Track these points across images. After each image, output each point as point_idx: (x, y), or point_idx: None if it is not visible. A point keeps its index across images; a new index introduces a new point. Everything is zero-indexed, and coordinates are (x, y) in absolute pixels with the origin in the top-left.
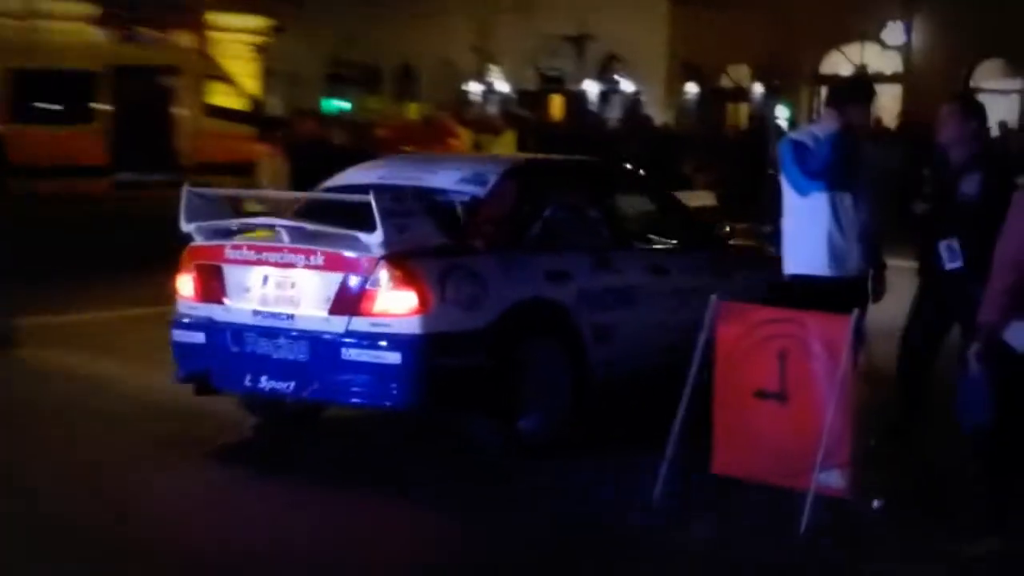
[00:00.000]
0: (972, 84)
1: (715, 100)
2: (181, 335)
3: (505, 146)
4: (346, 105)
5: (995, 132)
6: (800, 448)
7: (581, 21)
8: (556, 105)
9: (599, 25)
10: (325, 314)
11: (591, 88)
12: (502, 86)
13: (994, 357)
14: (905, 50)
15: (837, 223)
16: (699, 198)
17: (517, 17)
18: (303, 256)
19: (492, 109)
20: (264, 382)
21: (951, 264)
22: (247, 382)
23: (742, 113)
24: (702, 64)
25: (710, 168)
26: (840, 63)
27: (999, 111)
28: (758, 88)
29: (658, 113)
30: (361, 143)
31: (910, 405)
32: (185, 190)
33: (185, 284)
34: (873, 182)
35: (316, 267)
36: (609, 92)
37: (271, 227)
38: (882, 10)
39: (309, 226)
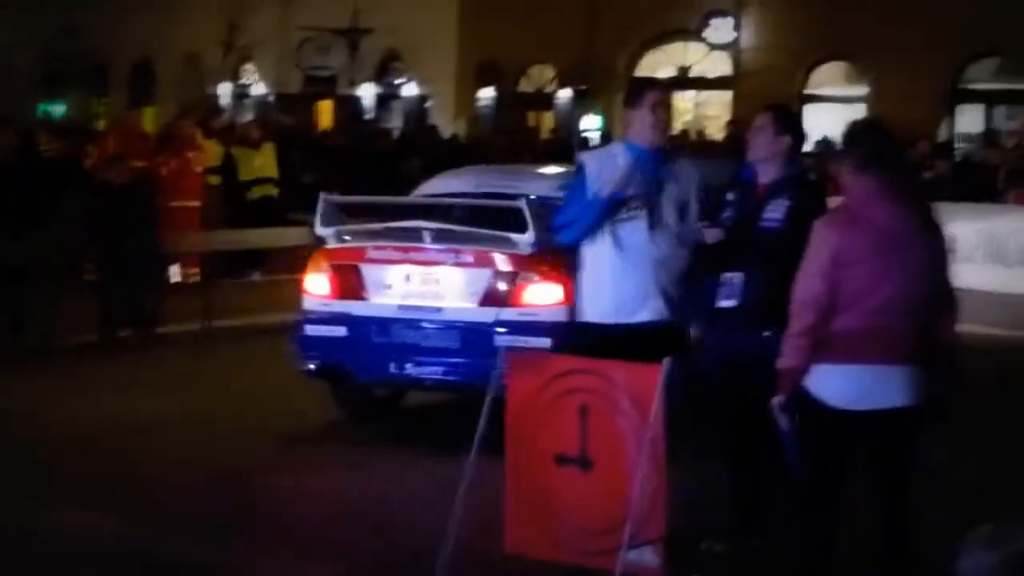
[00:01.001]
0: (808, 90)
1: (515, 106)
2: (314, 330)
3: (263, 161)
4: (61, 109)
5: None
6: (606, 522)
7: (354, 11)
8: (325, 112)
9: (376, 16)
10: (474, 305)
11: (367, 92)
12: (259, 88)
13: (801, 406)
14: (734, 50)
15: (626, 261)
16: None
17: (276, 5)
18: (452, 255)
19: (247, 116)
20: (410, 368)
21: (724, 301)
22: (392, 369)
23: (547, 122)
24: (500, 64)
25: None
26: (660, 64)
27: (839, 121)
28: (565, 93)
29: (448, 121)
30: (75, 157)
31: (747, 513)
32: (321, 198)
33: (318, 283)
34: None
35: (464, 264)
36: (389, 96)
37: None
38: (706, 4)
39: (457, 228)
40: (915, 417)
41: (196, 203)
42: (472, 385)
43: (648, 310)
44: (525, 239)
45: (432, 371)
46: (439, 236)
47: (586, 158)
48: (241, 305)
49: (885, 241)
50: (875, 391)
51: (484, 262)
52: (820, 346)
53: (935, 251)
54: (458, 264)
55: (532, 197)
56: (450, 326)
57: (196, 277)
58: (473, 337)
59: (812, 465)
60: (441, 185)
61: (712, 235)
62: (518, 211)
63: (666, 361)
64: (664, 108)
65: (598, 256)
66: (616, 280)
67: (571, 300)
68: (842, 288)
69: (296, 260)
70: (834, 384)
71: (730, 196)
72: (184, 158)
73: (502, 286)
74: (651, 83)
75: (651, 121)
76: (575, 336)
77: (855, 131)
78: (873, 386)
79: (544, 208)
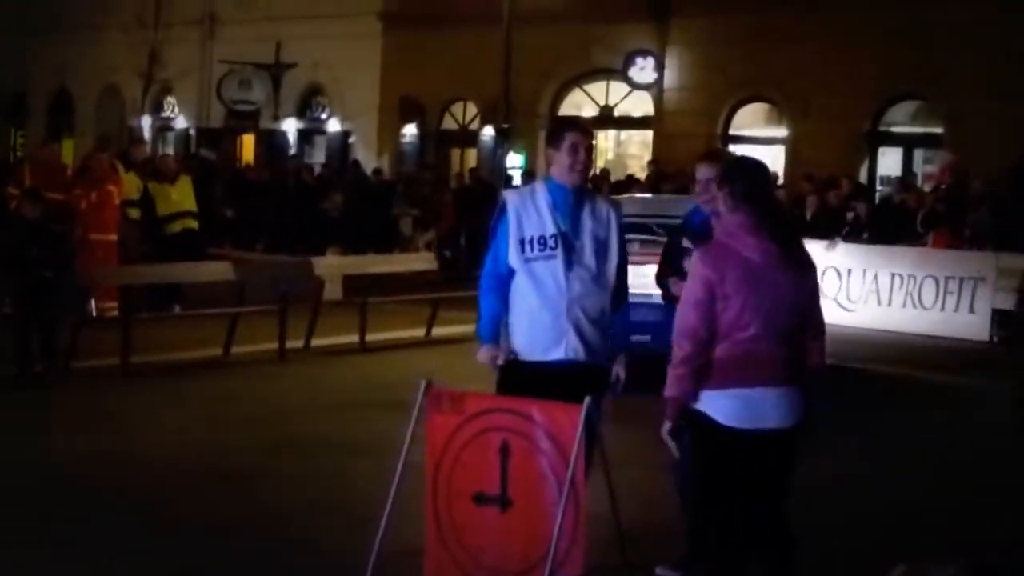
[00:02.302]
0: (732, 131)
1: (439, 144)
2: None
3: (180, 195)
4: None
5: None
6: (524, 561)
7: (277, 45)
8: (248, 146)
9: (299, 51)
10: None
11: (290, 126)
12: (181, 121)
13: (692, 427)
14: (656, 90)
15: (541, 299)
16: (417, 261)
17: (196, 38)
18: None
19: (169, 149)
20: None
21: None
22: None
23: (470, 159)
24: (423, 100)
25: (431, 224)
26: (582, 103)
27: (764, 161)
28: (488, 131)
29: (371, 157)
30: None
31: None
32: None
33: None
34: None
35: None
36: (312, 131)
37: None
38: (629, 44)
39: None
40: (793, 436)
41: (113, 236)
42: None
43: (562, 349)
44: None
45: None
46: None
47: (508, 197)
48: (161, 340)
49: (752, 274)
50: (758, 411)
51: None
52: (706, 371)
53: (801, 286)
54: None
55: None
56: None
57: (114, 311)
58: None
59: (707, 482)
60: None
61: (679, 288)
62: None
63: (587, 400)
64: (585, 149)
65: (516, 292)
66: (531, 317)
67: None
68: (719, 318)
69: (217, 294)
70: (721, 404)
71: (686, 243)
72: (103, 191)
73: None
74: (571, 124)
75: (570, 162)
76: (500, 374)
77: (731, 168)
78: (756, 406)
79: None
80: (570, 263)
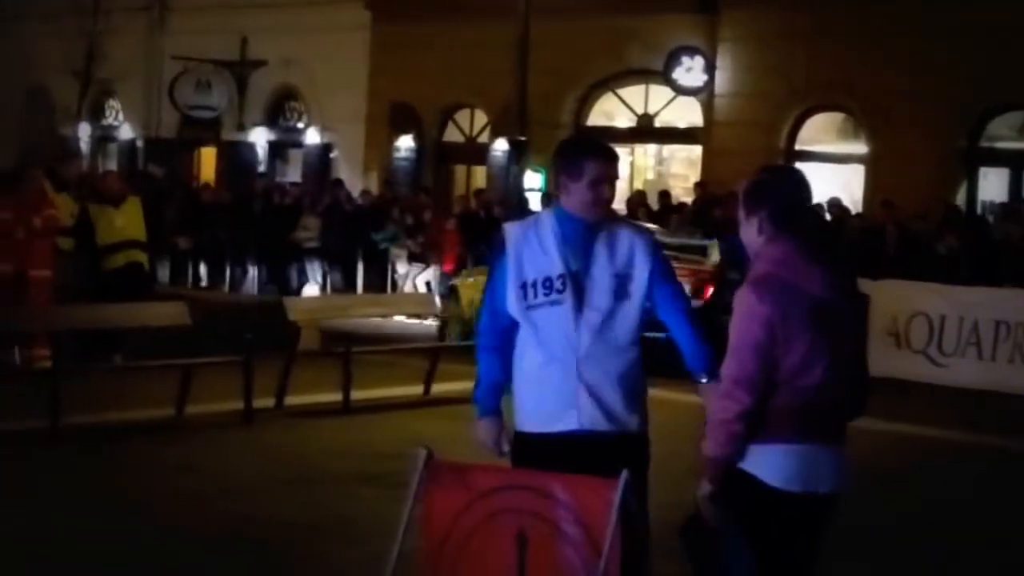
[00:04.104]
0: (798, 146)
1: (440, 160)
2: None
3: (126, 221)
4: None
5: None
6: None
7: (242, 40)
8: (207, 161)
9: (268, 46)
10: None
11: (259, 137)
12: (125, 131)
13: (736, 496)
14: (705, 96)
15: (545, 355)
16: (413, 303)
17: (144, 26)
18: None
19: (110, 164)
20: None
21: None
22: None
23: (478, 179)
24: (419, 108)
25: (430, 259)
26: (616, 111)
27: (834, 182)
28: (500, 144)
29: (356, 175)
30: None
31: None
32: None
33: None
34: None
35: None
36: (286, 144)
37: None
38: (672, 40)
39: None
40: (838, 503)
41: (47, 272)
42: None
43: (574, 417)
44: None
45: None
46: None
47: (508, 230)
48: (98, 398)
49: (818, 311)
50: (815, 472)
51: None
52: (756, 424)
53: (859, 324)
54: None
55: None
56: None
57: (46, 362)
58: None
59: (757, 555)
60: None
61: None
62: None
63: (623, 474)
64: (609, 183)
65: (519, 348)
66: (537, 378)
67: None
68: (779, 363)
69: (168, 342)
70: (774, 462)
71: (734, 275)
72: (43, 214)
73: None
74: (593, 150)
75: (592, 198)
76: (511, 452)
77: (763, 185)
78: (813, 466)
79: None
80: (580, 308)
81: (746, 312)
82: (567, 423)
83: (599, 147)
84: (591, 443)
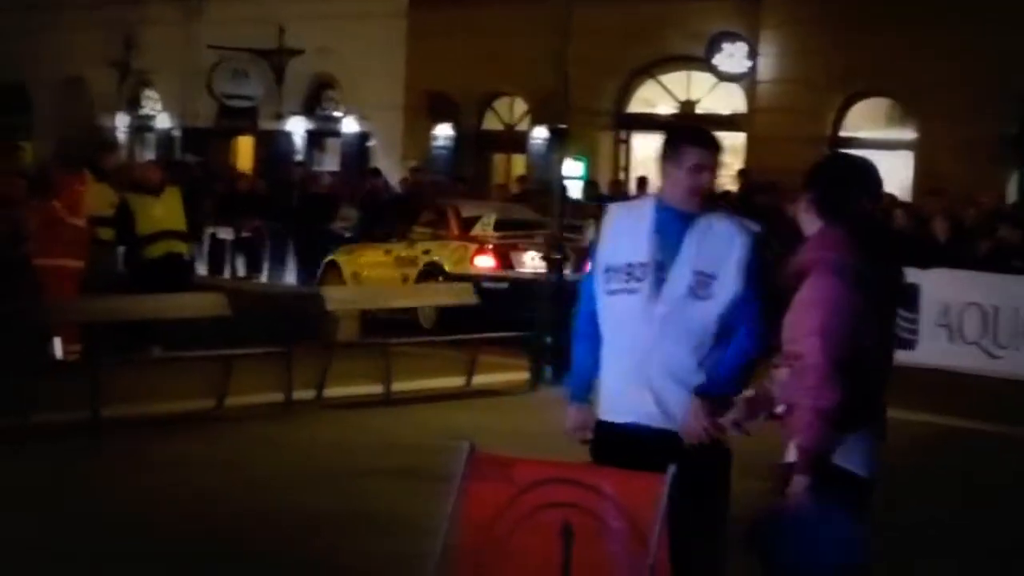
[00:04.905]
0: (843, 133)
1: (479, 148)
2: None
3: (165, 211)
4: None
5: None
6: None
7: (279, 29)
8: (244, 150)
9: (305, 35)
10: None
11: (296, 127)
12: (163, 120)
13: (832, 487)
14: (748, 82)
15: (614, 342)
16: (452, 293)
17: (181, 17)
18: None
19: (147, 155)
20: None
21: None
22: None
23: (518, 167)
24: (457, 96)
25: None
26: (657, 98)
27: (884, 170)
28: (539, 132)
29: (395, 164)
30: None
31: None
32: None
33: None
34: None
35: None
36: (323, 133)
37: None
38: (713, 25)
39: None
40: None
41: (78, 263)
42: None
43: (629, 410)
44: None
45: None
46: None
47: (609, 211)
48: (139, 390)
49: (879, 297)
50: (877, 460)
51: None
52: (848, 419)
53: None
54: None
55: None
56: None
57: (76, 355)
58: None
59: (848, 552)
60: None
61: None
62: None
63: (671, 469)
64: (708, 171)
65: (603, 331)
66: (609, 366)
67: None
68: (859, 350)
69: (208, 333)
70: (860, 450)
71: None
72: (75, 205)
73: None
74: (696, 136)
75: (690, 185)
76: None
77: (819, 166)
78: (876, 454)
79: None
80: (654, 301)
81: (831, 297)
82: (628, 415)
83: (700, 134)
84: (650, 439)
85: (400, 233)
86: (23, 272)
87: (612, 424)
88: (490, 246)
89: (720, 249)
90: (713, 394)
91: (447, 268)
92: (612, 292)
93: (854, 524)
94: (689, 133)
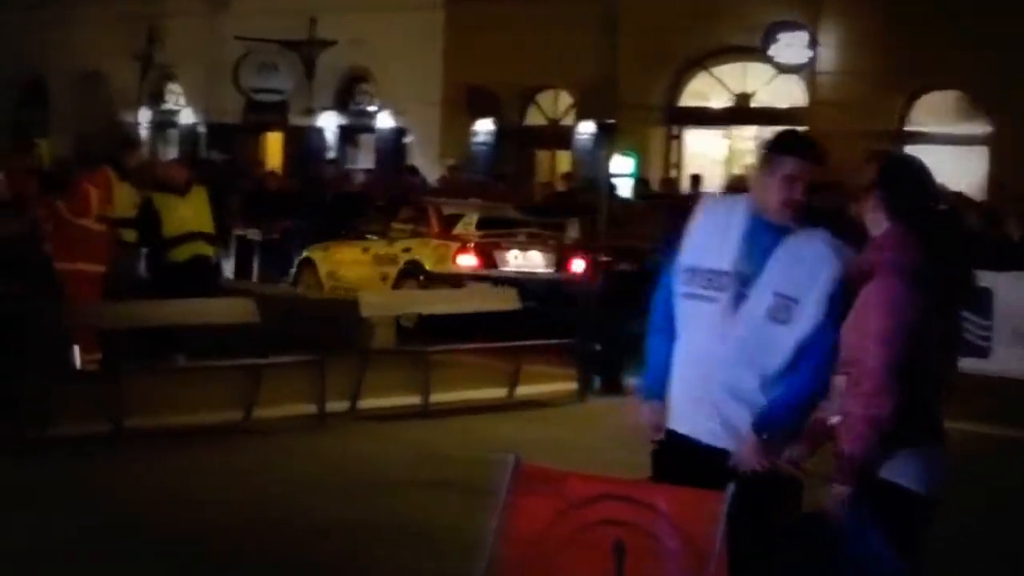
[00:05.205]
0: (909, 127)
1: (522, 144)
2: None
3: (192, 211)
4: None
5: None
6: None
7: (310, 20)
8: (273, 147)
9: (337, 25)
10: None
11: (328, 122)
12: (187, 116)
13: (876, 501)
14: (808, 74)
15: (691, 348)
16: (494, 298)
17: (207, 7)
18: None
19: (170, 152)
20: None
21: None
22: None
23: (563, 164)
24: (499, 89)
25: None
26: (711, 91)
27: (952, 166)
28: (586, 127)
29: (433, 162)
30: None
31: None
32: None
33: None
34: None
35: None
36: (357, 129)
37: None
38: (770, 14)
39: None
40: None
41: (95, 266)
42: None
43: (691, 422)
44: None
45: None
46: None
47: (705, 204)
48: (163, 400)
49: (942, 301)
50: (942, 474)
51: None
52: (899, 431)
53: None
54: None
55: None
56: None
57: (94, 364)
58: None
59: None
60: None
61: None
62: None
63: (730, 488)
64: (801, 183)
65: (678, 330)
66: (677, 370)
67: None
68: (922, 356)
69: (236, 340)
70: (915, 464)
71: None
72: (92, 203)
73: None
74: (791, 145)
75: (781, 198)
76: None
77: (891, 169)
78: (940, 467)
79: None
80: (731, 315)
81: (893, 300)
82: (690, 427)
83: (800, 143)
84: (711, 454)
85: (380, 231)
86: (44, 274)
87: (675, 432)
88: (472, 244)
89: (807, 272)
90: (771, 429)
91: (428, 267)
92: (689, 296)
93: (894, 544)
94: (785, 140)
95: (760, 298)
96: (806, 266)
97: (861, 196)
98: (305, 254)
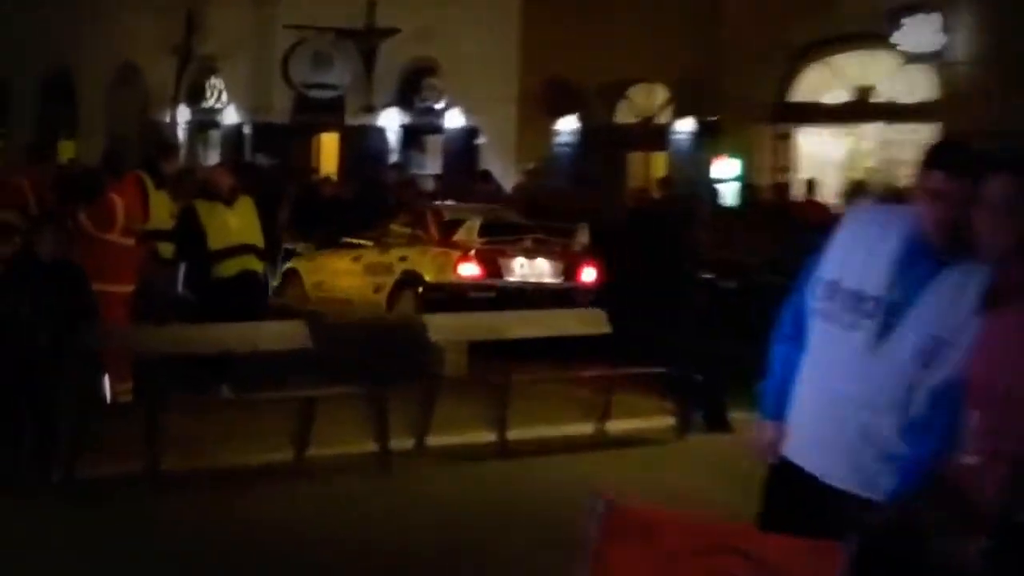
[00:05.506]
0: None
1: (610, 145)
2: None
3: (241, 222)
4: None
5: None
6: None
7: (369, 4)
8: (329, 150)
9: (400, 12)
10: None
11: (389, 121)
12: (230, 115)
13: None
14: (940, 64)
15: (823, 376)
16: (580, 320)
17: None
18: None
19: (212, 156)
20: None
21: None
22: None
23: (656, 166)
24: (584, 84)
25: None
26: (827, 85)
27: None
28: (684, 126)
29: (508, 166)
30: None
31: None
32: None
33: None
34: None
35: None
36: (421, 129)
37: None
38: None
39: None
40: None
41: (123, 287)
42: None
43: (814, 459)
44: None
45: None
46: None
47: (858, 213)
48: (204, 437)
49: None
50: None
51: None
52: None
53: None
54: None
55: None
56: None
57: (127, 395)
58: None
59: None
60: None
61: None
62: None
63: (851, 539)
64: (946, 201)
65: (807, 347)
66: (800, 390)
67: None
68: None
69: (285, 369)
70: None
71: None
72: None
73: None
74: (938, 154)
75: (927, 216)
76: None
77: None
78: None
79: None
80: (874, 350)
81: None
82: (812, 463)
83: (947, 153)
84: (833, 497)
85: (375, 238)
86: (78, 289)
87: (794, 464)
88: (474, 252)
89: (966, 312)
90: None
91: (427, 277)
92: (826, 314)
93: None
94: (932, 150)
95: (910, 335)
96: (965, 306)
97: (986, 211)
98: (289, 264)
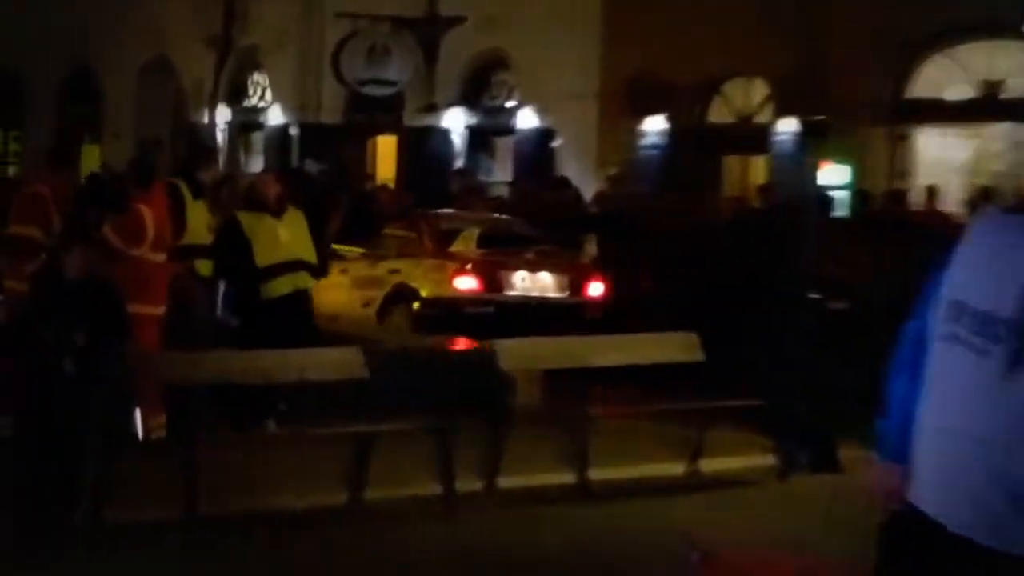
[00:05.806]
0: None
1: (703, 147)
2: None
3: (292, 236)
4: None
5: None
6: None
7: None
8: (385, 154)
9: (467, 2)
10: None
11: (454, 121)
12: (275, 115)
13: None
14: None
15: (946, 410)
16: (670, 346)
17: None
18: None
19: (254, 160)
20: None
21: None
22: None
23: (758, 173)
24: (673, 80)
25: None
26: (948, 80)
27: None
28: (786, 126)
29: (588, 170)
30: None
31: None
32: None
33: None
34: None
35: None
36: (490, 130)
37: None
38: None
39: None
40: None
41: (154, 309)
42: None
43: (942, 505)
44: None
45: None
46: None
47: (980, 226)
48: (246, 477)
49: None
50: None
51: None
52: None
53: None
54: None
55: None
56: None
57: (161, 430)
58: None
59: None
60: None
61: None
62: None
63: None
64: None
65: (927, 377)
66: (924, 432)
67: None
68: None
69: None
70: None
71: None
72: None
73: None
74: None
75: None
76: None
77: None
78: None
79: None
80: (1007, 378)
81: None
82: (936, 508)
83: None
84: (959, 550)
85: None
86: (110, 307)
87: (916, 508)
88: (472, 264)
89: None
90: None
91: (422, 292)
92: (950, 338)
93: None
94: None
95: None
96: None
97: None
98: None
